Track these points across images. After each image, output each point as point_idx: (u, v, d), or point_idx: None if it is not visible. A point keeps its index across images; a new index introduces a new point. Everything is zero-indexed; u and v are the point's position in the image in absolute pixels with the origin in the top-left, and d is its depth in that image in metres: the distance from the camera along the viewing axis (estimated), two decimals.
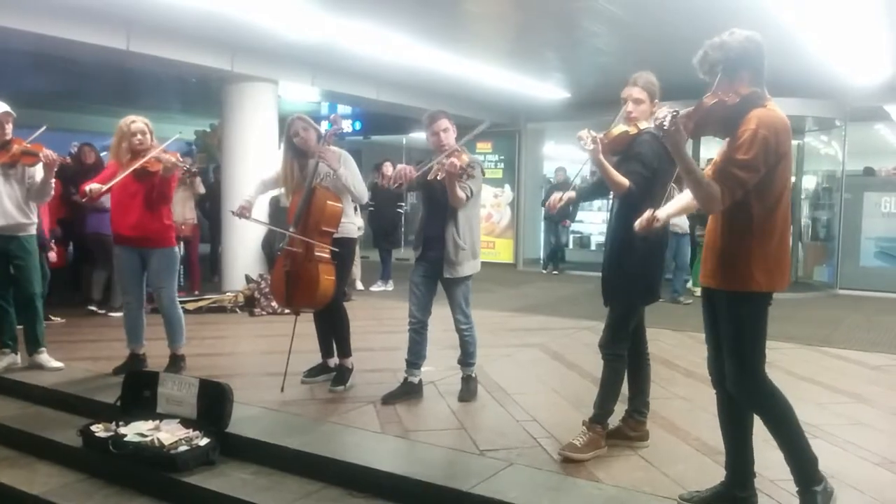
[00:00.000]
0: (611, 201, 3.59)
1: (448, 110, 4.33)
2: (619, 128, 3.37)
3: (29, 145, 4.70)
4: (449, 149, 4.09)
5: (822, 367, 5.30)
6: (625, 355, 3.43)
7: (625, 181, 3.25)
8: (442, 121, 4.17)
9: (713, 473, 3.03)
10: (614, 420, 3.54)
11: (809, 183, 10.94)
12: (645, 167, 3.27)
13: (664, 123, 2.43)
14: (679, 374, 5.04)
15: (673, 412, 4.11)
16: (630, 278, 3.34)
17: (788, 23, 6.24)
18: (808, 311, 7.88)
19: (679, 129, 2.45)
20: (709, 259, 2.73)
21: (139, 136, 4.56)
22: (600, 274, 3.51)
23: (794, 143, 10.13)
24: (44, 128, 4.72)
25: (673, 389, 4.63)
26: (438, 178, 3.95)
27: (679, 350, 5.70)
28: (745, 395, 2.67)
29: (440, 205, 4.10)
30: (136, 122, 4.60)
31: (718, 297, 2.69)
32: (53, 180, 4.88)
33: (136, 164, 4.46)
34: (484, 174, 4.34)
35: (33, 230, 4.91)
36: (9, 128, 4.71)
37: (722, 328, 2.68)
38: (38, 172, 4.78)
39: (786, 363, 5.27)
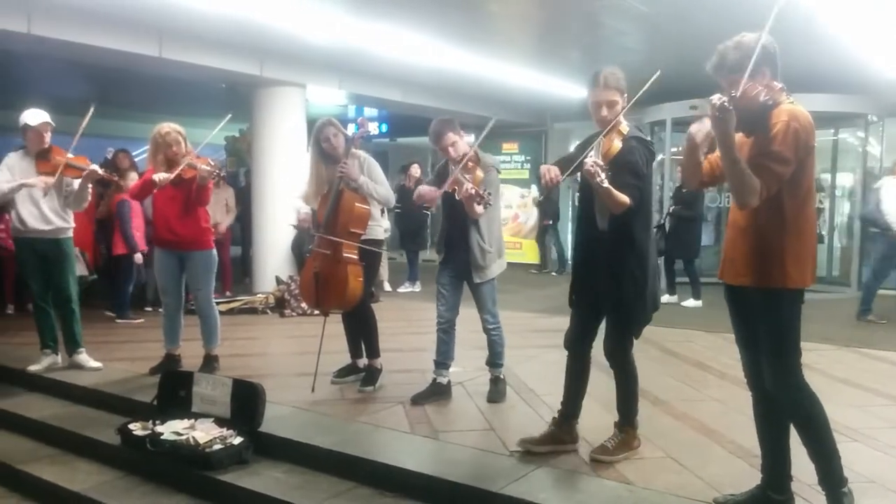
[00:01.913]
0: (577, 204, 3.37)
1: (473, 111, 4.33)
2: (614, 144, 3.18)
3: (72, 157, 4.84)
4: (462, 158, 4.05)
5: (861, 370, 5.19)
6: (632, 357, 3.37)
7: (626, 200, 3.06)
8: (446, 136, 4.10)
9: (748, 477, 2.99)
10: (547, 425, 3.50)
11: (845, 180, 10.71)
12: (638, 177, 3.13)
13: (726, 104, 2.35)
14: (712, 375, 4.98)
15: (707, 414, 4.06)
16: (641, 289, 3.21)
17: (821, 17, 6.14)
18: (846, 311, 7.72)
19: (733, 114, 2.39)
20: (738, 258, 2.68)
21: (174, 148, 4.68)
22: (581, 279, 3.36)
23: (830, 139, 9.96)
24: (91, 109, 4.78)
25: (706, 391, 4.58)
26: (457, 196, 3.96)
27: (712, 352, 5.62)
28: (785, 393, 2.62)
29: (459, 210, 4.08)
30: (170, 132, 4.68)
31: (751, 295, 2.64)
32: (90, 187, 5.03)
33: (173, 175, 4.57)
34: (499, 172, 4.33)
35: (70, 233, 5.04)
36: (47, 136, 4.84)
37: (759, 327, 2.64)
38: (76, 180, 4.91)
39: (823, 365, 5.17)
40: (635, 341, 3.36)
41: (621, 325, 3.30)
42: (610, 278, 3.22)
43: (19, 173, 4.79)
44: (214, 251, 4.91)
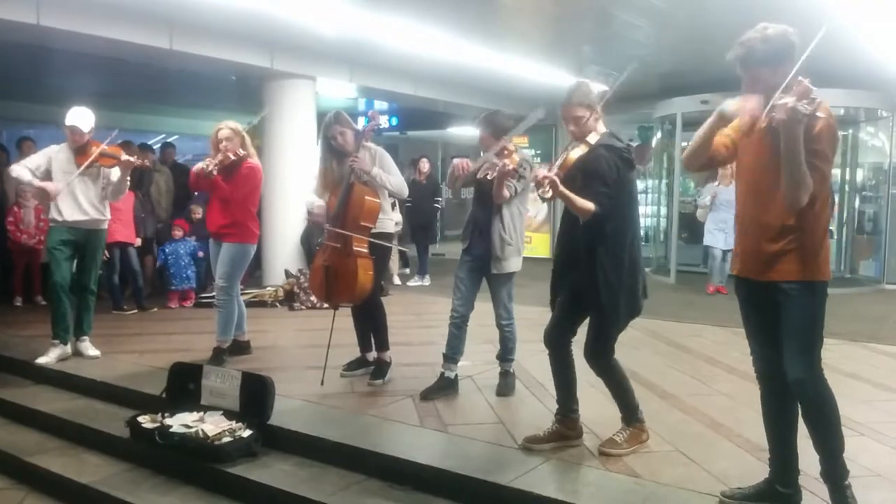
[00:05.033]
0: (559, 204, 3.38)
1: (483, 104, 4.35)
2: (574, 153, 3.23)
3: (108, 147, 4.96)
4: (499, 148, 4.06)
5: (870, 364, 5.17)
6: (614, 360, 3.38)
7: (590, 206, 3.14)
8: (482, 138, 4.19)
9: (756, 470, 2.99)
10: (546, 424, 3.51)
11: (856, 175, 10.66)
12: (606, 185, 3.17)
13: (810, 110, 2.29)
14: (721, 370, 4.97)
15: (715, 409, 4.06)
16: (618, 294, 3.21)
17: (833, 12, 6.08)
18: (855, 306, 7.68)
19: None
20: (764, 253, 2.64)
21: (224, 143, 4.81)
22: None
23: (841, 134, 9.92)
24: (116, 132, 5.12)
25: (715, 386, 4.57)
26: (488, 177, 3.94)
27: (721, 346, 5.60)
28: (810, 384, 2.61)
29: (490, 200, 4.09)
30: (222, 129, 4.85)
31: (780, 290, 2.61)
32: (128, 179, 5.15)
33: (211, 166, 4.76)
34: (531, 168, 4.32)
35: (105, 226, 5.17)
36: (85, 137, 4.93)
37: (790, 321, 2.61)
38: (115, 172, 5.04)
39: (832, 360, 5.10)
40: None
41: (596, 331, 3.32)
42: (586, 281, 3.24)
43: (56, 164, 4.93)
44: (249, 248, 4.97)
